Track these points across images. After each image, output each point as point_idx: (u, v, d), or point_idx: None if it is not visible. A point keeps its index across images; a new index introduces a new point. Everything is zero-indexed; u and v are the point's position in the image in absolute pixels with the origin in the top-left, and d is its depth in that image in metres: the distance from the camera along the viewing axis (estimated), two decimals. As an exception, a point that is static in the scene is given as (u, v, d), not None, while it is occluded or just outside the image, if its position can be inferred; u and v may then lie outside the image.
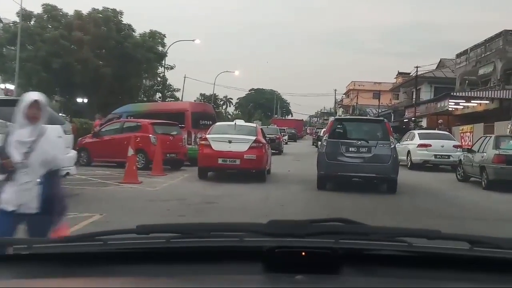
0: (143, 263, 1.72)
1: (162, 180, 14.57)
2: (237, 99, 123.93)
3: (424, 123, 38.77)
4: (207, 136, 15.29)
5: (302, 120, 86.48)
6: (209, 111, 23.04)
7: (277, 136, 30.61)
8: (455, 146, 21.36)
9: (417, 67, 41.48)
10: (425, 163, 21.31)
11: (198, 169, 15.30)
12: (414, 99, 50.61)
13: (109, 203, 10.52)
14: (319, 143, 17.45)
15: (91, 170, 16.44)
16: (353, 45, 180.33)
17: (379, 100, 58.16)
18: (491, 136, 15.40)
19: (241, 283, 1.65)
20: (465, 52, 42.31)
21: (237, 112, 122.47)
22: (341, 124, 14.26)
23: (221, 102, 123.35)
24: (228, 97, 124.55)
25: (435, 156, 20.98)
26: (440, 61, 53.40)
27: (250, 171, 14.70)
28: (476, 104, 37.09)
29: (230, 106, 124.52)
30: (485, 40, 38.06)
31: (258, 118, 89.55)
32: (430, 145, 21.08)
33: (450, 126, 32.01)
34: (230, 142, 14.67)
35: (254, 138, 14.95)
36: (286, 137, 50.45)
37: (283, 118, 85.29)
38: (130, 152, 13.97)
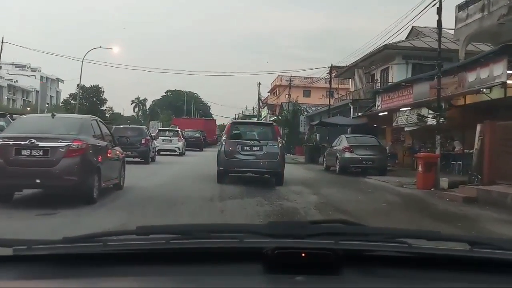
0: (143, 264, 1.62)
1: None
2: (152, 101, 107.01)
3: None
4: None
5: (214, 120, 64.02)
6: None
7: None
8: None
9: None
10: None
11: None
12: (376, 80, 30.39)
13: None
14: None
15: None
16: (272, 50, 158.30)
17: (330, 91, 37.28)
18: None
19: (241, 284, 1.54)
20: (478, -2, 22.19)
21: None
22: (238, 126, 15.33)
23: (133, 104, 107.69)
24: (141, 99, 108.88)
25: None
26: (412, 29, 33.49)
27: None
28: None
29: (142, 108, 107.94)
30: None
31: (164, 120, 69.36)
32: None
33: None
34: None
35: None
36: (179, 145, 28.69)
37: (189, 117, 62.67)
38: None
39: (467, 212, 9.86)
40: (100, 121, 10.60)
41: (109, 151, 10.32)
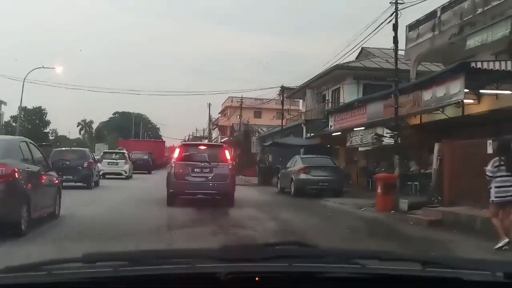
0: None
1: None
2: (99, 123, 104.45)
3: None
4: None
5: (163, 142, 62.54)
6: None
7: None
8: None
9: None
10: None
11: None
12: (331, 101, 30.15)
13: None
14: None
15: None
16: (224, 72, 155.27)
17: (282, 112, 36.83)
18: None
19: None
20: (430, 17, 22.29)
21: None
22: (188, 148, 15.15)
23: (79, 127, 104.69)
24: (87, 121, 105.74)
25: None
26: (362, 50, 33.58)
27: None
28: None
29: (89, 130, 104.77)
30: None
31: (111, 142, 67.16)
32: None
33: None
34: None
35: None
36: (126, 168, 27.36)
37: (137, 139, 60.79)
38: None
39: (436, 237, 9.22)
40: (30, 143, 9.36)
41: (41, 176, 9.12)
